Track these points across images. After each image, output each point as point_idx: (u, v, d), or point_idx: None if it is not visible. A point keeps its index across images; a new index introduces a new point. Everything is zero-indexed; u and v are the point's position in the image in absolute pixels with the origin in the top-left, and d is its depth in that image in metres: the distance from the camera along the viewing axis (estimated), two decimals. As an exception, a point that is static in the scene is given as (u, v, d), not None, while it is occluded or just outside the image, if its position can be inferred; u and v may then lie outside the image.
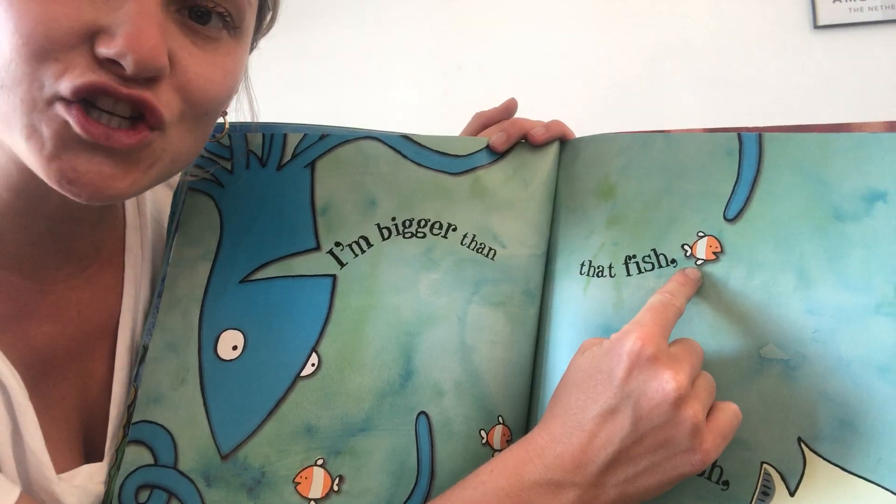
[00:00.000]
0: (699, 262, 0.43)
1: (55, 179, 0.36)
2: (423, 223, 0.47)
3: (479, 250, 0.46)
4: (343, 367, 0.44)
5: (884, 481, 0.37)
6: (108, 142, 0.35)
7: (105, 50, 0.34)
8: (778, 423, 0.40)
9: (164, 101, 0.36)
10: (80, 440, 0.45)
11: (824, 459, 0.39)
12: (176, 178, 0.53)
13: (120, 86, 0.34)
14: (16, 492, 0.37)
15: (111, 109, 0.35)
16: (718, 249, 0.43)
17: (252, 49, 0.46)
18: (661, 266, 0.44)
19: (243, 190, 0.48)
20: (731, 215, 0.43)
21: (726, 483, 0.40)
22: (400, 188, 0.47)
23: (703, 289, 0.42)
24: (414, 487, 0.43)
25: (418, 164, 0.48)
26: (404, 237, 0.46)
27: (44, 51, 0.33)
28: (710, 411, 0.39)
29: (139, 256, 0.50)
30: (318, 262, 0.46)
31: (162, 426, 0.44)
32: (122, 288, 0.48)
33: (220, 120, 0.46)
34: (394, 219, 0.47)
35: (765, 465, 0.40)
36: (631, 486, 0.38)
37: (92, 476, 0.43)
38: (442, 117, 1.58)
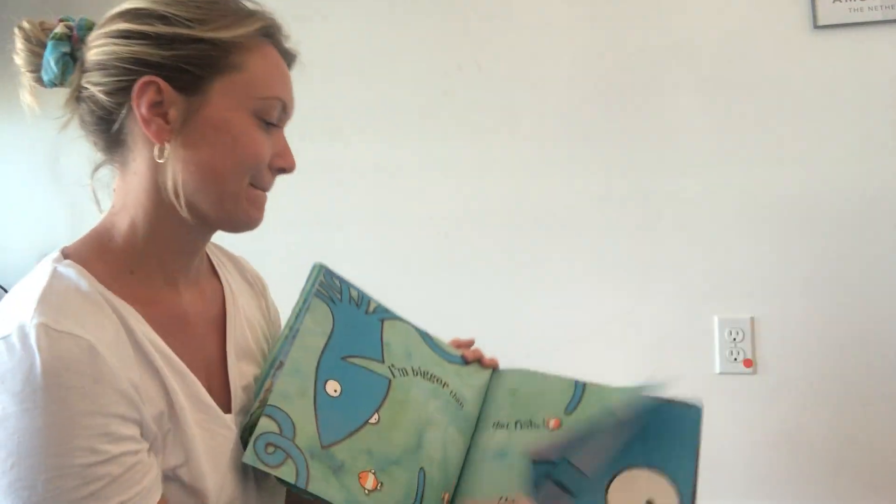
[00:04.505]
0: (552, 429, 0.87)
1: (253, 222, 0.71)
2: (434, 376, 0.86)
3: (457, 401, 0.87)
4: (391, 426, 0.77)
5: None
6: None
7: (283, 165, 0.71)
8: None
9: None
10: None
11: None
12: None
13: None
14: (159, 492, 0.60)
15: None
16: (559, 423, 0.88)
17: None
18: (532, 427, 0.86)
19: (346, 313, 0.83)
20: (569, 411, 0.89)
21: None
22: (423, 355, 0.87)
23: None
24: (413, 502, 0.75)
25: (430, 348, 0.89)
26: (424, 379, 0.85)
27: (253, 170, 0.68)
28: None
29: (227, 280, 0.80)
30: (382, 368, 0.81)
31: (288, 414, 0.70)
32: (222, 297, 0.77)
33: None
34: (420, 368, 0.85)
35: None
36: None
37: (231, 421, 0.69)
38: (442, 117, 1.58)
